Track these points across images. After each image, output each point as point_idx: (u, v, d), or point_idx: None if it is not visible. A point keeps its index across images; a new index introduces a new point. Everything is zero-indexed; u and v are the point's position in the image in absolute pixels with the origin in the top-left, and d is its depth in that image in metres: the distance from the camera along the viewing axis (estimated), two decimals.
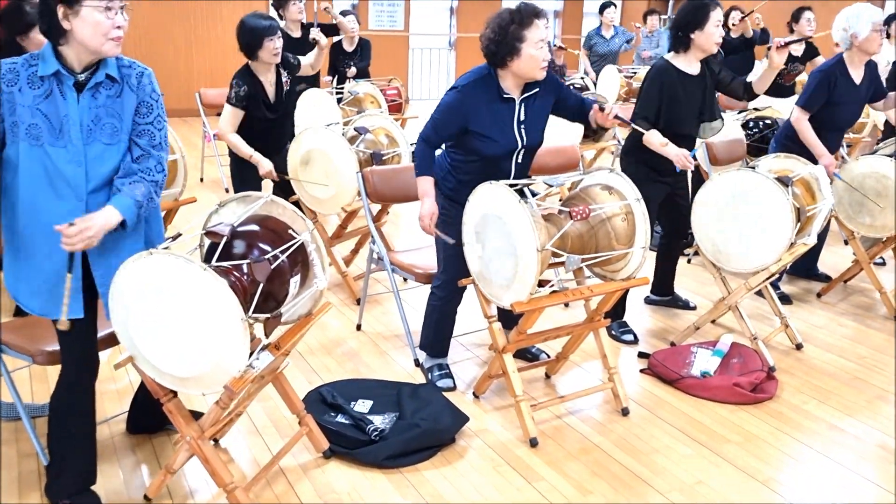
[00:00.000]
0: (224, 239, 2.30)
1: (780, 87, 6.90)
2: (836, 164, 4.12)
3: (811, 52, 6.93)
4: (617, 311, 3.92)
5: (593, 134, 6.34)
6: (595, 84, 8.26)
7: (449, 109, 2.97)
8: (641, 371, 3.55)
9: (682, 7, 3.64)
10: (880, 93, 4.33)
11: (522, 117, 3.03)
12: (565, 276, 3.21)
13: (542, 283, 3.00)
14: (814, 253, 4.79)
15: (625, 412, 3.16)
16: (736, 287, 3.62)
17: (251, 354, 2.33)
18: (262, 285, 2.26)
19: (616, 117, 3.02)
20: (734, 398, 3.28)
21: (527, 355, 3.60)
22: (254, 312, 2.36)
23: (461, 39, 12.30)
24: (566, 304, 4.23)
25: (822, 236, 4.69)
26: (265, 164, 3.99)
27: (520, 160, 3.08)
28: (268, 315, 2.35)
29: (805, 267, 4.85)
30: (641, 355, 3.69)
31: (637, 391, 3.39)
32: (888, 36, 7.01)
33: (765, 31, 8.12)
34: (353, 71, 6.97)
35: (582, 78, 7.38)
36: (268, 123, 4.06)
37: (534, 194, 3.00)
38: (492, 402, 3.25)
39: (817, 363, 3.70)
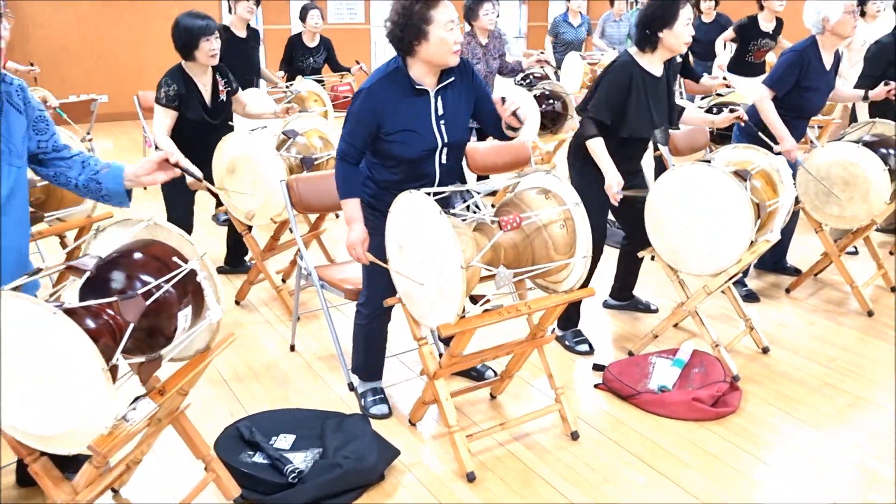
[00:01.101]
0: (87, 274, 1.99)
1: (748, 66, 6.66)
2: (797, 150, 3.85)
3: (781, 28, 6.68)
4: (570, 320, 3.65)
5: (552, 125, 6.07)
6: (557, 72, 7.99)
7: (358, 117, 2.67)
8: (596, 386, 3.28)
9: (650, 3, 3.34)
10: (834, 83, 4.09)
11: (441, 111, 2.73)
12: (501, 291, 2.92)
13: (476, 299, 2.72)
14: (782, 245, 4.53)
15: (574, 436, 2.89)
16: (695, 291, 3.34)
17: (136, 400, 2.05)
18: (132, 325, 1.96)
19: (513, 114, 2.70)
20: (693, 415, 3.02)
21: (472, 373, 3.32)
22: (138, 353, 2.07)
23: None
24: None
25: (790, 227, 4.44)
26: (193, 173, 3.67)
27: (444, 160, 2.78)
28: (142, 359, 2.05)
29: (773, 260, 4.60)
30: (597, 367, 3.42)
31: (590, 409, 3.11)
32: (863, 15, 6.78)
33: (722, 16, 7.88)
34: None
35: (542, 67, 7.07)
36: (204, 128, 3.77)
37: (466, 201, 2.72)
38: (429, 429, 2.97)
39: (785, 369, 3.44)
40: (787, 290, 4.32)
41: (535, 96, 5.79)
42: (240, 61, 5.18)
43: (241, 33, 5.36)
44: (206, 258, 2.22)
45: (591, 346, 3.59)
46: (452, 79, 2.73)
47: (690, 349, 3.39)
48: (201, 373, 2.34)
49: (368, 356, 3.07)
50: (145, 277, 2.13)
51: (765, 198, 3.31)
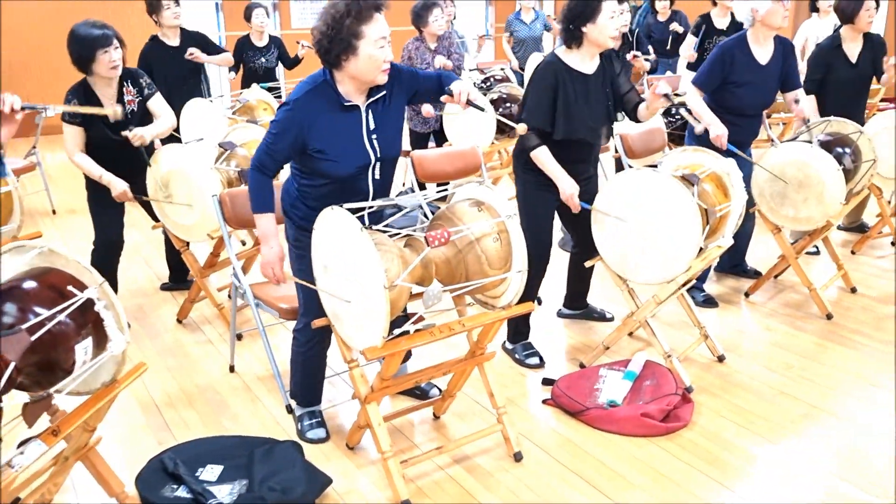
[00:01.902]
0: None
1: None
2: (726, 135, 3.70)
3: (737, 26, 6.61)
4: (520, 332, 3.53)
5: (509, 129, 5.95)
6: (521, 71, 7.89)
7: (282, 129, 2.53)
8: (544, 402, 3.16)
9: None
10: (791, 83, 3.96)
11: (372, 125, 2.60)
12: (432, 309, 2.79)
13: (410, 317, 2.59)
14: (740, 248, 4.44)
15: (517, 457, 2.76)
16: (646, 300, 3.23)
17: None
18: (14, 364, 1.81)
19: (469, 103, 2.60)
20: (643, 430, 2.90)
21: (416, 392, 3.19)
22: (36, 388, 1.93)
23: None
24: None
25: (748, 229, 4.34)
26: (117, 185, 3.51)
27: (377, 175, 2.66)
28: (27, 400, 1.90)
29: (732, 263, 4.50)
30: (546, 382, 3.30)
31: (537, 427, 2.99)
32: (816, 10, 6.72)
33: (678, 12, 7.82)
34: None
35: (502, 69, 6.97)
36: (112, 144, 3.57)
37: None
38: (367, 454, 2.84)
39: (740, 378, 3.33)
40: (747, 294, 4.22)
41: (491, 100, 5.66)
42: (174, 72, 4.98)
43: (174, 42, 5.10)
44: (105, 286, 2.07)
45: (541, 359, 3.47)
46: (384, 93, 2.61)
47: (643, 360, 3.28)
48: (107, 407, 2.20)
49: (306, 382, 2.93)
50: (38, 309, 1.99)
51: (715, 202, 3.20)
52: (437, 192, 2.65)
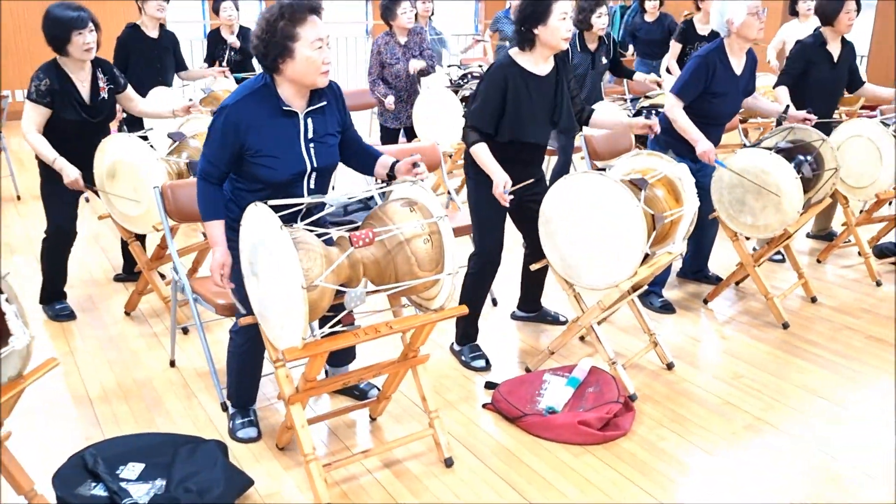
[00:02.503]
0: None
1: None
2: (714, 151, 3.70)
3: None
4: (467, 334, 3.47)
5: None
6: None
7: (222, 135, 2.47)
8: (484, 406, 3.10)
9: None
10: (751, 91, 3.95)
11: (311, 134, 2.55)
12: (375, 307, 2.74)
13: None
14: (702, 253, 4.41)
15: (448, 463, 2.71)
16: (591, 306, 3.18)
17: None
18: None
19: (414, 165, 2.59)
20: (579, 439, 2.85)
21: (354, 392, 3.14)
22: None
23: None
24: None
25: (710, 235, 4.30)
26: (70, 172, 3.46)
27: (312, 185, 2.60)
28: None
29: (694, 269, 4.46)
30: (489, 385, 3.25)
31: (473, 432, 2.94)
32: (796, 14, 6.67)
33: (667, 15, 7.77)
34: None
35: (480, 66, 6.90)
36: (81, 128, 3.53)
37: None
38: (296, 455, 2.78)
39: (686, 387, 3.28)
40: (705, 301, 4.17)
41: (464, 97, 5.61)
42: (147, 62, 4.92)
43: (153, 33, 5.05)
44: (7, 279, 2.01)
45: (487, 362, 3.42)
46: (323, 102, 2.56)
47: (588, 366, 3.22)
48: (13, 402, 2.14)
49: (241, 382, 2.88)
50: None
51: (665, 207, 3.14)
52: (364, 192, 2.59)
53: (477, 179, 3.28)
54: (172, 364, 3.40)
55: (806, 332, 3.82)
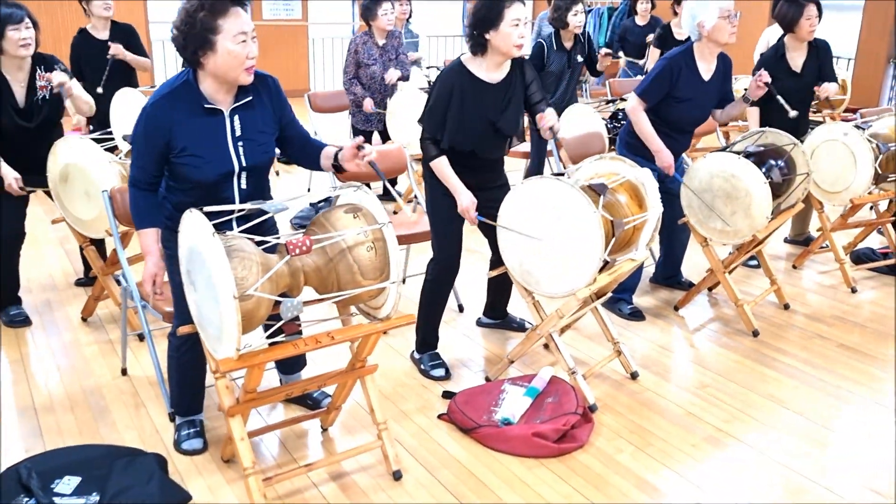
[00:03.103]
0: None
1: None
2: (672, 162, 3.62)
3: None
4: (427, 342, 3.39)
5: None
6: None
7: (144, 136, 2.40)
8: (439, 417, 3.02)
9: (476, 3, 3.09)
10: (727, 101, 3.86)
11: (238, 132, 2.46)
12: (323, 316, 2.66)
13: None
14: (675, 259, 4.33)
15: (396, 476, 2.63)
16: (550, 314, 3.10)
17: None
18: None
19: (371, 164, 2.49)
20: (533, 451, 2.77)
21: (307, 402, 3.06)
22: None
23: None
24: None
25: (682, 240, 4.23)
26: (6, 175, 3.38)
27: (243, 185, 2.51)
28: None
29: (667, 275, 4.38)
30: (446, 395, 3.17)
31: (426, 444, 2.86)
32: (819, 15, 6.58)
33: (657, 19, 7.71)
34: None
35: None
36: (18, 132, 3.44)
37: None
38: (240, 468, 2.68)
39: (649, 397, 3.21)
40: (676, 308, 4.10)
41: None
42: (102, 67, 4.76)
43: (103, 34, 4.85)
44: None
45: (447, 371, 3.34)
46: (250, 98, 2.47)
47: (549, 376, 3.15)
48: None
49: (183, 390, 2.79)
50: None
51: (628, 213, 3.07)
52: (302, 196, 2.51)
53: (432, 185, 3.20)
54: (124, 372, 3.32)
55: (776, 341, 3.75)
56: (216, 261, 2.12)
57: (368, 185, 2.59)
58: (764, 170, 3.65)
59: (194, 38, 2.28)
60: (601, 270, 3.07)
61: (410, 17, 6.63)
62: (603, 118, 4.91)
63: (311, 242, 2.26)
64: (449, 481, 2.63)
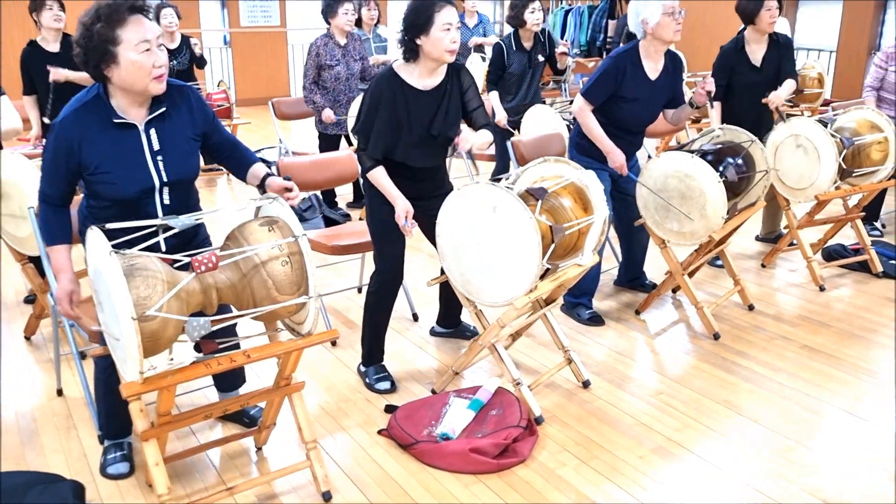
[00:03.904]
0: None
1: None
2: (623, 162, 3.53)
3: None
4: (373, 354, 3.29)
5: None
6: None
7: (53, 153, 2.31)
8: (379, 432, 2.93)
9: (407, 7, 2.99)
10: (677, 101, 3.75)
11: (156, 146, 2.37)
12: (250, 332, 2.56)
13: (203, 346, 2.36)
14: (635, 261, 4.24)
15: (326, 497, 2.53)
16: (492, 323, 3.00)
17: None
18: None
19: (288, 179, 2.43)
20: (471, 467, 2.67)
21: (244, 419, 2.96)
22: None
23: None
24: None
25: (643, 241, 4.12)
26: None
27: (167, 200, 2.42)
28: None
29: (630, 277, 4.28)
30: (389, 409, 3.07)
31: (362, 461, 2.76)
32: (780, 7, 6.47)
33: None
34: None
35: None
36: None
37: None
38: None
39: (600, 406, 3.11)
40: (637, 312, 4.00)
41: None
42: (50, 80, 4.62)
43: (53, 47, 4.71)
44: None
45: (393, 384, 3.24)
46: (164, 109, 2.37)
47: (495, 387, 3.05)
48: None
49: (110, 411, 2.69)
50: None
51: (571, 217, 2.96)
52: (212, 212, 2.42)
53: (373, 196, 3.10)
54: (60, 393, 3.22)
55: (737, 343, 3.65)
56: (114, 281, 2.03)
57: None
58: (722, 168, 3.55)
59: (94, 52, 2.19)
60: (543, 277, 2.98)
61: (379, 21, 6.53)
62: (565, 119, 4.80)
63: (217, 259, 2.17)
64: (381, 501, 2.53)
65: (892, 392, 3.19)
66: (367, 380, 3.26)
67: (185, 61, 6.50)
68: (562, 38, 11.54)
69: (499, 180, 2.91)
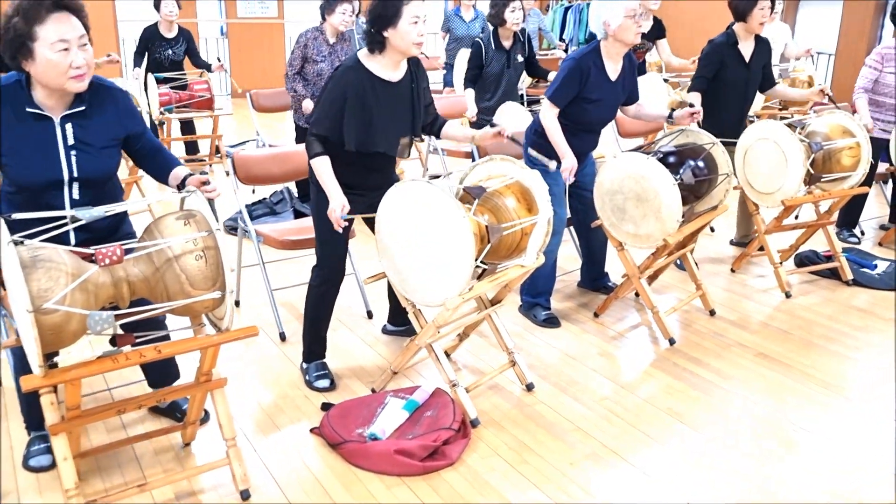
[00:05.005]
0: None
1: None
2: (575, 167, 3.47)
3: (658, 29, 6.31)
4: (314, 351, 3.26)
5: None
6: (451, 67, 7.61)
7: None
8: (311, 430, 2.89)
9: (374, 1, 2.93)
10: (633, 98, 3.74)
11: (71, 140, 2.34)
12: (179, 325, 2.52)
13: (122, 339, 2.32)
14: (596, 262, 4.19)
15: (244, 496, 2.49)
16: (427, 324, 2.95)
17: None
18: None
19: (210, 203, 2.39)
20: (396, 469, 2.63)
21: (176, 414, 2.93)
22: None
23: None
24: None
25: (601, 242, 4.06)
26: None
27: (76, 195, 2.39)
28: None
29: (592, 278, 4.23)
30: (325, 407, 3.03)
31: (290, 460, 2.72)
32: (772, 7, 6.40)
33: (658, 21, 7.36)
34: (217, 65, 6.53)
35: None
36: None
37: None
38: (85, 488, 2.56)
39: (540, 410, 3.06)
40: (596, 315, 3.94)
41: None
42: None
43: None
44: None
45: (332, 381, 3.20)
46: (85, 107, 2.35)
47: (433, 388, 3.01)
48: None
49: (31, 402, 2.66)
50: None
51: (514, 217, 2.92)
52: (125, 205, 2.37)
53: (317, 188, 3.06)
54: None
55: (692, 349, 3.58)
56: (12, 272, 2.00)
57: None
58: (682, 170, 3.50)
59: (10, 44, 2.19)
60: (480, 277, 2.93)
61: (360, 13, 6.48)
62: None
63: (122, 251, 2.13)
64: (299, 501, 2.50)
65: (841, 403, 3.12)
66: (307, 377, 3.23)
67: (181, 52, 6.51)
68: (561, 34, 11.47)
69: (438, 177, 2.86)
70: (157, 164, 2.58)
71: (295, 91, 5.29)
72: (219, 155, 6.85)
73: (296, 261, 4.45)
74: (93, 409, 2.37)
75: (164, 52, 6.52)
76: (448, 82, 7.54)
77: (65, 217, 2.29)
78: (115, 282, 2.21)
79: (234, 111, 9.05)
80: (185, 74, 6.65)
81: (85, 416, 2.34)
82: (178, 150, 7.14)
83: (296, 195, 5.43)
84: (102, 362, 2.20)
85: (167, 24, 6.47)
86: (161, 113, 6.33)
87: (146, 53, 6.50)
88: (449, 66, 7.51)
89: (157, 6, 6.42)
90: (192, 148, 7.05)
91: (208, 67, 6.67)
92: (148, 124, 6.72)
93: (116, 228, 2.54)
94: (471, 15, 7.86)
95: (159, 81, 6.40)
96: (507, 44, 5.05)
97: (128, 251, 2.21)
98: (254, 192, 6.13)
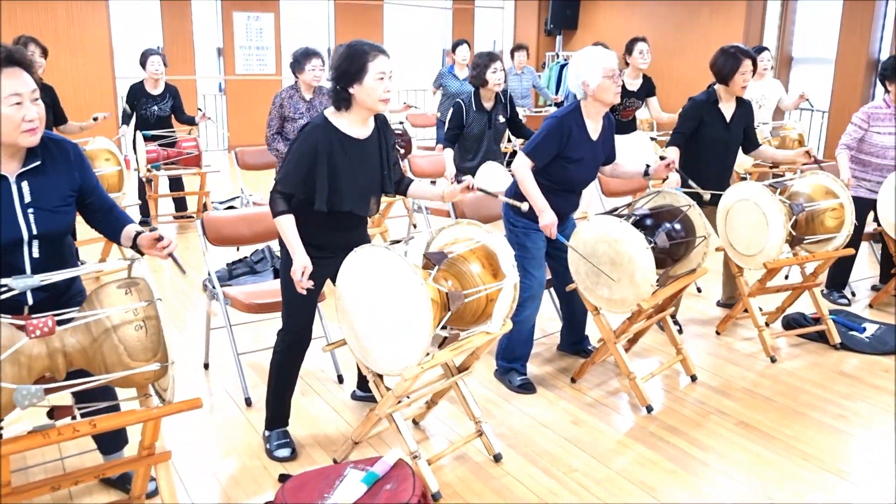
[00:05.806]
0: None
1: (617, 124, 6.27)
2: (555, 224, 3.42)
3: (648, 86, 6.31)
4: (276, 417, 3.17)
5: None
6: (443, 124, 7.64)
7: None
8: None
9: (339, 54, 2.90)
10: (611, 158, 3.72)
11: (28, 198, 2.30)
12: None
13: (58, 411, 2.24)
14: (576, 325, 4.09)
15: None
16: (387, 394, 2.85)
17: None
18: None
19: (171, 256, 2.36)
20: None
21: (126, 486, 2.82)
22: None
23: None
24: None
25: (581, 305, 3.96)
26: None
27: (35, 254, 2.33)
28: None
29: (572, 341, 4.13)
30: (282, 478, 2.92)
31: None
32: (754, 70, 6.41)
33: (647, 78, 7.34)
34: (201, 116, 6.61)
35: (401, 123, 6.69)
36: None
37: None
38: None
39: (507, 482, 2.94)
40: (573, 380, 3.83)
41: None
42: None
43: None
44: None
45: (294, 450, 3.10)
46: (39, 163, 2.31)
47: (394, 459, 2.89)
48: None
49: None
50: None
51: (479, 283, 2.84)
52: (66, 273, 2.31)
53: (286, 249, 3.00)
54: None
55: (670, 417, 3.47)
56: None
57: None
58: (658, 233, 3.43)
59: None
60: (442, 345, 2.84)
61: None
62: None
63: (53, 323, 2.06)
64: None
65: (825, 479, 2.99)
66: (268, 445, 3.12)
67: (167, 108, 6.55)
68: (556, 91, 11.54)
69: (397, 242, 2.80)
70: (109, 222, 2.53)
71: (277, 150, 5.29)
72: (206, 212, 6.83)
73: (270, 322, 4.36)
74: (24, 486, 2.26)
75: (150, 109, 6.56)
76: (440, 139, 7.55)
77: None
78: (50, 353, 2.14)
79: (229, 166, 9.07)
80: (174, 132, 6.68)
81: (15, 494, 2.24)
82: (166, 206, 7.15)
83: (277, 254, 5.38)
84: (33, 438, 2.11)
85: (153, 81, 6.53)
86: (149, 170, 6.33)
87: (133, 110, 6.55)
88: (441, 123, 7.54)
89: (143, 64, 6.49)
90: (180, 205, 7.04)
91: (192, 121, 6.71)
92: (136, 181, 6.77)
93: (68, 289, 2.48)
94: (465, 73, 7.91)
95: (147, 139, 6.41)
96: (488, 105, 5.04)
97: (65, 321, 2.15)
98: (238, 249, 6.09)
